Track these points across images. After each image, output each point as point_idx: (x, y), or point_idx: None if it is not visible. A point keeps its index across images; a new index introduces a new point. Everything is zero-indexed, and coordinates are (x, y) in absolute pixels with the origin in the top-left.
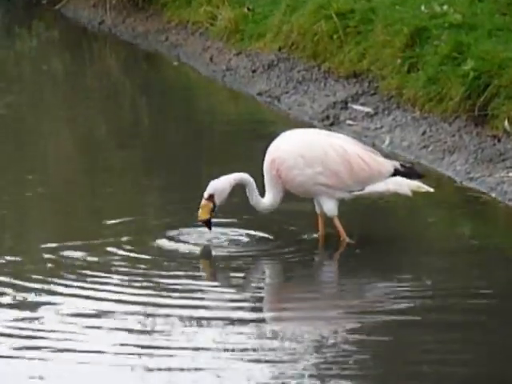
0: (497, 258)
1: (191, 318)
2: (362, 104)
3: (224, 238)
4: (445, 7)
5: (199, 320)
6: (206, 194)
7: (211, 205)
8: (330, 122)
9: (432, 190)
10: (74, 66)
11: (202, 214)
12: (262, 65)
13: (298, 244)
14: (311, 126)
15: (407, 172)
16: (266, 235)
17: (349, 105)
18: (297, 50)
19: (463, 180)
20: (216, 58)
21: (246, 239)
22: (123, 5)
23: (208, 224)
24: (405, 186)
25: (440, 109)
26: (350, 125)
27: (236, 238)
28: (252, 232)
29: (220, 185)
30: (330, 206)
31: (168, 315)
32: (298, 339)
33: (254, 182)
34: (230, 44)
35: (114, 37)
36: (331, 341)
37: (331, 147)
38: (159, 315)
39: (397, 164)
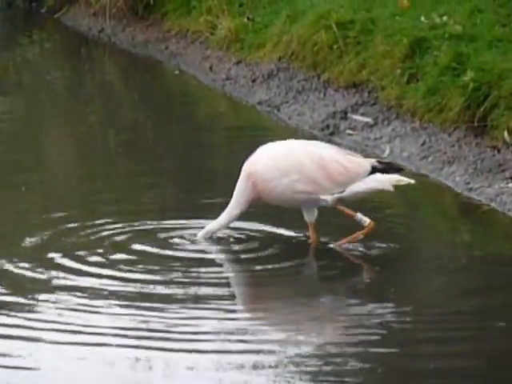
0: (497, 271)
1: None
2: (362, 114)
3: (213, 247)
4: (445, 18)
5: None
6: None
7: None
8: (330, 132)
9: (412, 181)
10: (74, 74)
11: None
12: (262, 74)
13: (289, 252)
14: (311, 135)
15: (385, 168)
16: (255, 244)
17: (348, 115)
18: (297, 59)
19: (462, 191)
20: (216, 67)
21: (231, 246)
22: (123, 13)
23: None
24: (385, 181)
25: (440, 119)
26: (349, 135)
27: (222, 245)
28: (238, 240)
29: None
30: (310, 213)
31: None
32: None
33: (209, 226)
34: (229, 53)
35: (114, 45)
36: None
37: (306, 156)
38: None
39: (374, 161)
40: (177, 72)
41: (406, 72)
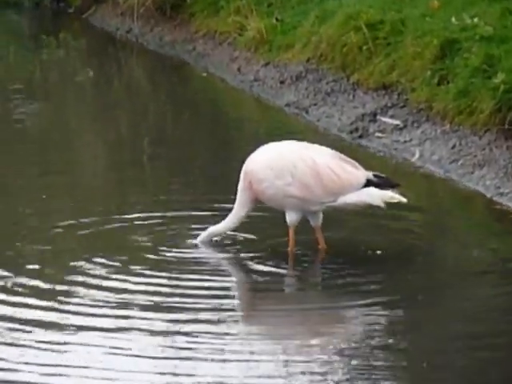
0: None
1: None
2: (391, 116)
3: (212, 251)
4: (475, 19)
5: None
6: None
7: None
8: (359, 135)
9: (405, 200)
10: (101, 74)
11: None
12: (291, 76)
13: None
14: (339, 138)
15: (380, 182)
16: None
17: (378, 117)
18: (325, 61)
19: (493, 195)
20: (244, 69)
21: (236, 253)
22: (151, 14)
23: None
24: (377, 196)
25: (470, 122)
26: (378, 137)
27: (224, 252)
28: (245, 247)
29: None
30: (292, 216)
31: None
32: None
33: (213, 228)
34: (258, 54)
35: (142, 46)
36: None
37: (300, 159)
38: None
39: (370, 175)
40: (204, 74)
41: (436, 74)
